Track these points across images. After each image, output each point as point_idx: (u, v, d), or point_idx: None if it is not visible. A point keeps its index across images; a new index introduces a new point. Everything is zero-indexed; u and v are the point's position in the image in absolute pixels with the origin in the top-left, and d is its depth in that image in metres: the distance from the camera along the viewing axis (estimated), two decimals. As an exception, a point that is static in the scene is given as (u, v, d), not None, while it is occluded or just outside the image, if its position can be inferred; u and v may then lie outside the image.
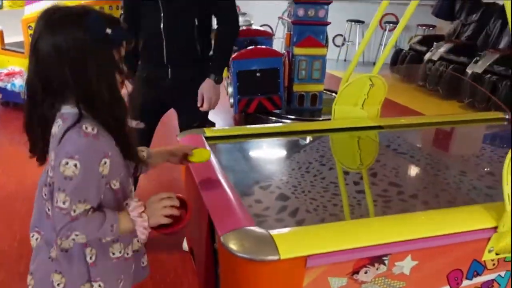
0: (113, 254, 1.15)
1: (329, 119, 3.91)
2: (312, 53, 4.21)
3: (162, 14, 2.05)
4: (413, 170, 1.99)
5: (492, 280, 1.43)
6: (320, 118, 4.09)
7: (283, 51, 4.56)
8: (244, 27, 5.00)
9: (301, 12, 4.20)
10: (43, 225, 1.15)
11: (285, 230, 1.17)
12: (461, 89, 5.72)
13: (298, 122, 2.21)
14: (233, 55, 3.91)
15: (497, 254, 1.36)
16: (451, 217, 1.30)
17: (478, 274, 1.39)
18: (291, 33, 4.32)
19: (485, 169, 1.97)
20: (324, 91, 4.42)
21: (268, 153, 2.09)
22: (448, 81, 5.91)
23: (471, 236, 1.29)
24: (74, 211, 1.02)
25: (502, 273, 1.43)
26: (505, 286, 1.47)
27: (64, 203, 1.01)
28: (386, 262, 1.23)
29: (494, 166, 1.95)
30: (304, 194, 1.60)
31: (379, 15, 2.11)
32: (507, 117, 2.38)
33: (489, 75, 5.39)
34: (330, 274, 1.19)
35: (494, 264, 1.39)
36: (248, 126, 2.10)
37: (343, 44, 8.46)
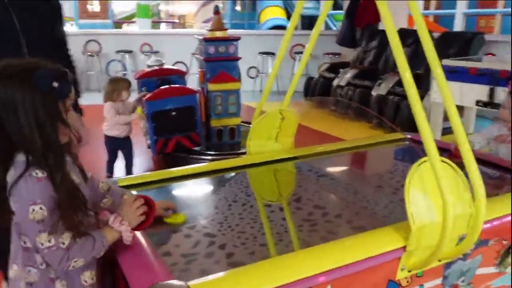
0: (86, 281, 1.27)
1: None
2: (226, 88, 4.29)
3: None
4: (332, 194, 2.06)
5: (409, 297, 1.50)
6: (240, 151, 4.15)
7: (198, 88, 4.59)
8: (156, 67, 4.99)
9: (212, 50, 4.28)
10: (18, 258, 1.25)
11: (204, 279, 1.15)
12: (368, 111, 6.10)
13: (213, 161, 2.19)
14: (147, 96, 3.87)
15: (409, 271, 1.44)
16: (363, 242, 1.35)
17: (394, 293, 1.46)
18: (204, 70, 4.37)
19: (395, 186, 2.08)
20: (242, 124, 4.50)
21: (188, 194, 2.06)
22: (357, 104, 6.29)
23: (384, 258, 1.35)
24: (63, 243, 1.15)
25: (417, 288, 1.51)
26: (422, 301, 1.54)
27: (49, 241, 1.13)
28: (307, 296, 1.25)
29: (401, 183, 2.09)
30: (231, 229, 1.59)
31: (284, 45, 2.20)
32: (408, 136, 2.57)
33: (392, 96, 5.82)
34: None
35: (408, 281, 1.47)
36: (162, 171, 2.05)
37: (257, 76, 8.72)
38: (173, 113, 3.96)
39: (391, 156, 2.51)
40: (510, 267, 1.78)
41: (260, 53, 8.47)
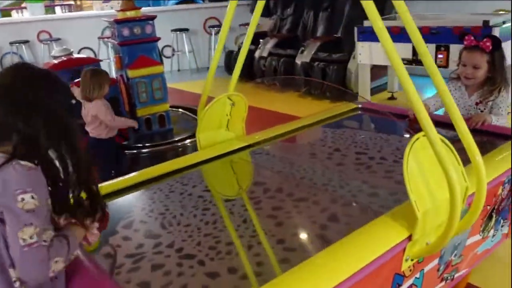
0: None
1: (184, 138, 3.83)
2: (149, 72, 3.91)
3: None
4: (298, 180, 1.88)
5: (411, 285, 1.39)
6: (176, 139, 3.85)
7: (114, 75, 4.16)
8: (63, 58, 4.43)
9: (126, 32, 3.86)
10: None
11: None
12: (295, 79, 6.01)
13: (159, 164, 1.90)
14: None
15: (412, 260, 1.31)
16: (371, 241, 1.19)
17: (400, 285, 1.33)
18: (121, 55, 3.95)
19: (361, 161, 1.96)
20: (170, 109, 4.17)
21: (138, 205, 1.77)
22: (283, 74, 6.17)
23: (391, 253, 1.20)
24: (45, 241, 1.03)
25: (418, 275, 1.40)
26: (421, 286, 1.44)
27: (31, 237, 1.01)
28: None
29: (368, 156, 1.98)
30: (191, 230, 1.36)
31: (229, 16, 1.93)
32: (360, 106, 2.46)
33: (317, 63, 5.75)
34: None
35: (410, 270, 1.35)
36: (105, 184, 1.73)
37: (173, 55, 8.26)
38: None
39: (349, 129, 2.38)
40: (492, 230, 1.74)
41: (173, 30, 7.99)
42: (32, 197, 1.01)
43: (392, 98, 5.55)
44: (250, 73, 6.80)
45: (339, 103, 5.44)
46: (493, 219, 1.71)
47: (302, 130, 2.25)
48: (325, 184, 1.78)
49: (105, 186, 1.69)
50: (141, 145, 3.78)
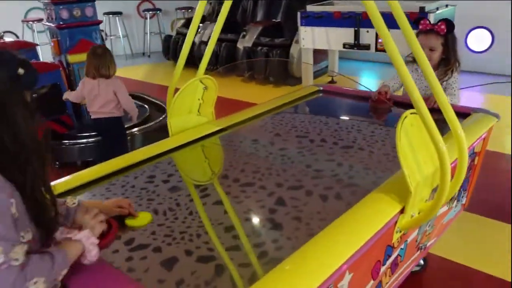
0: None
1: (131, 126, 3.68)
2: (92, 57, 3.70)
3: None
4: (267, 162, 1.87)
5: (397, 256, 1.46)
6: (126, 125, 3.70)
7: (53, 61, 3.90)
8: (-6, 41, 4.06)
9: (65, 14, 3.63)
10: None
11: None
12: (238, 64, 5.99)
13: (131, 153, 1.82)
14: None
15: (401, 231, 1.38)
16: (368, 217, 1.24)
17: (389, 256, 1.40)
18: (59, 39, 3.71)
19: (326, 140, 2.00)
20: (115, 97, 4.00)
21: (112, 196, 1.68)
22: (225, 59, 6.12)
23: (386, 226, 1.26)
24: (17, 259, 0.88)
25: (403, 245, 1.48)
26: (404, 255, 1.52)
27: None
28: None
29: (334, 132, 2.04)
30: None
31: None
32: (321, 88, 2.51)
33: (259, 47, 5.77)
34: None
35: (398, 241, 1.42)
36: (70, 177, 1.61)
37: (106, 39, 7.87)
38: (34, 95, 3.28)
39: (314, 110, 2.43)
40: (455, 201, 1.87)
41: (105, 13, 7.61)
42: None
43: (332, 81, 5.73)
44: (190, 59, 6.67)
45: (283, 88, 5.57)
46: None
47: (271, 113, 2.26)
48: (300, 162, 1.78)
49: (71, 180, 1.60)
50: (86, 134, 3.59)
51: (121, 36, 7.75)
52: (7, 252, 0.87)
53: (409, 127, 1.30)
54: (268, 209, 1.42)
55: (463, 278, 2.13)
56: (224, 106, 4.56)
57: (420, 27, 2.29)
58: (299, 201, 1.45)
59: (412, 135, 1.31)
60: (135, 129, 3.72)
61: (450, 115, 1.29)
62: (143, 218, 1.36)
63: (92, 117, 3.13)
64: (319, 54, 5.74)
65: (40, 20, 6.77)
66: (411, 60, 2.40)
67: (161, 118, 3.85)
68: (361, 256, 1.17)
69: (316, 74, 5.72)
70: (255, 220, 1.45)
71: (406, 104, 2.16)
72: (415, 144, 1.31)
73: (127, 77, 6.54)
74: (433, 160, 1.36)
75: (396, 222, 1.32)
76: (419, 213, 1.39)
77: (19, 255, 0.89)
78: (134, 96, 4.42)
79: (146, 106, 4.16)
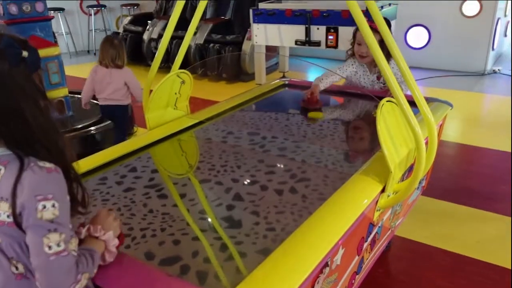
0: None
1: (87, 125, 3.60)
2: (43, 55, 3.54)
3: None
4: (253, 153, 1.94)
5: (376, 233, 1.59)
6: (79, 126, 3.62)
7: (0, 58, 3.73)
8: None
9: (14, 9, 3.49)
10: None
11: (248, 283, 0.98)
12: (190, 62, 5.99)
13: (111, 148, 1.82)
14: None
15: (380, 210, 1.51)
16: (354, 197, 1.35)
17: (370, 234, 1.52)
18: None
19: (296, 130, 2.11)
20: (69, 95, 3.89)
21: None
22: (176, 56, 6.09)
23: (370, 206, 1.38)
24: (74, 250, 0.94)
25: (380, 224, 1.61)
26: (380, 233, 1.66)
27: (59, 244, 0.90)
28: (329, 262, 1.19)
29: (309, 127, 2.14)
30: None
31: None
32: (287, 82, 2.62)
33: (211, 44, 5.81)
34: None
35: (377, 219, 1.55)
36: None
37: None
38: None
39: (283, 101, 2.53)
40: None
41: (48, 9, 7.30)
42: (53, 206, 0.90)
43: (283, 77, 5.88)
44: (139, 57, 6.58)
45: (236, 84, 5.64)
46: (420, 173, 2.01)
47: (244, 106, 2.33)
48: (269, 150, 1.87)
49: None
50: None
51: (64, 33, 7.47)
52: (67, 241, 0.91)
53: (386, 113, 1.43)
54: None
55: (424, 255, 2.32)
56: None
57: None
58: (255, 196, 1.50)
59: (389, 121, 1.44)
60: (93, 127, 3.65)
61: (420, 100, 1.43)
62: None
63: (101, 103, 3.31)
64: (270, 51, 5.87)
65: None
66: (351, 54, 2.52)
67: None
68: (351, 232, 1.28)
69: (267, 71, 5.85)
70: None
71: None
72: (392, 129, 1.44)
73: (72, 75, 6.33)
74: (407, 143, 1.50)
75: (377, 201, 1.44)
76: (393, 193, 1.52)
77: (75, 248, 0.95)
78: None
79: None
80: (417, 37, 6.13)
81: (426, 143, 1.43)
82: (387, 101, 1.44)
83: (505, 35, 6.59)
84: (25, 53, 0.99)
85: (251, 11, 5.15)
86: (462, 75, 5.81)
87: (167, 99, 1.97)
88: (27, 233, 0.91)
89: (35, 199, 0.88)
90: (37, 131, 0.93)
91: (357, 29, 2.47)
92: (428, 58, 6.04)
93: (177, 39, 6.22)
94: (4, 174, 0.91)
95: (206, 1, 1.98)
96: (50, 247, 0.89)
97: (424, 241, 2.40)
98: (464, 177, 3.19)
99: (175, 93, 1.98)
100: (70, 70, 6.77)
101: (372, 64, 2.51)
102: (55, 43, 3.77)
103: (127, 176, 1.65)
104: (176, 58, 2.04)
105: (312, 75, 5.97)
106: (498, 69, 5.90)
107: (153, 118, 1.93)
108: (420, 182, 2.07)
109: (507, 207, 2.70)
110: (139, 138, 1.91)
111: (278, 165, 1.76)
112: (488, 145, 3.70)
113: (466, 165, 3.42)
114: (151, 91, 1.92)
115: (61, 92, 3.78)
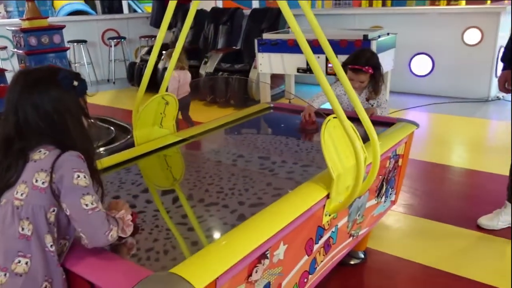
0: None
1: (97, 146, 3.87)
2: (59, 82, 3.91)
3: None
4: (233, 169, 2.12)
5: (329, 237, 1.75)
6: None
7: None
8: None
9: (33, 41, 3.85)
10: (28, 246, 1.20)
11: (184, 264, 1.16)
12: (200, 89, 6.29)
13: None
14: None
15: (330, 215, 1.68)
16: (300, 198, 1.52)
17: (321, 236, 1.68)
18: (27, 64, 3.91)
19: (280, 149, 2.30)
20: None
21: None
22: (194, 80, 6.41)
23: (315, 208, 1.55)
24: (101, 209, 1.25)
25: (333, 229, 1.77)
26: (336, 238, 1.81)
27: (92, 203, 1.22)
28: (268, 255, 1.36)
29: (289, 146, 2.33)
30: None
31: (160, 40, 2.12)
32: (272, 105, 2.83)
33: (220, 73, 6.11)
34: (233, 286, 1.25)
35: (329, 224, 1.71)
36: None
37: (70, 66, 8.03)
38: (3, 117, 3.46)
39: (266, 124, 2.74)
40: (384, 197, 2.19)
41: (69, 41, 7.80)
42: (85, 177, 1.22)
43: (289, 103, 6.11)
44: (153, 85, 6.92)
45: (244, 109, 5.89)
46: (384, 187, 2.16)
47: (227, 126, 2.55)
48: (256, 170, 2.07)
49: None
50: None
51: (85, 64, 7.93)
52: (98, 201, 1.24)
53: (332, 128, 1.61)
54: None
55: (399, 268, 2.43)
56: (187, 127, 4.81)
57: (349, 66, 2.63)
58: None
59: (335, 135, 1.62)
60: (102, 148, 3.92)
61: (366, 122, 1.60)
62: None
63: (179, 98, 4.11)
64: (277, 79, 6.13)
65: (3, 47, 6.90)
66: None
67: (126, 139, 4.08)
68: (293, 230, 1.45)
69: (275, 97, 6.09)
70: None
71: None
72: (337, 142, 1.62)
73: (93, 103, 6.71)
74: (353, 156, 1.67)
75: (324, 206, 1.61)
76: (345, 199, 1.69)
77: (102, 208, 1.25)
78: (100, 119, 4.65)
79: (112, 128, 4.37)
80: (421, 65, 6.29)
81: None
82: (333, 117, 1.62)
83: (510, 63, 6.68)
84: (75, 83, 1.29)
85: (255, 41, 5.44)
86: (465, 101, 5.91)
87: (153, 118, 2.21)
88: (65, 198, 1.21)
89: (72, 170, 1.21)
90: (77, 139, 1.27)
91: (349, 69, 2.64)
92: (432, 85, 6.18)
93: (189, 67, 6.57)
94: (48, 154, 1.24)
95: (195, 9, 2.15)
96: (87, 205, 1.21)
97: (399, 254, 2.52)
98: (456, 199, 3.27)
99: (160, 113, 2.21)
100: (91, 97, 7.17)
101: (361, 88, 2.70)
102: (70, 71, 4.09)
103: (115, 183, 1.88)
104: (163, 82, 2.27)
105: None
106: (502, 96, 5.99)
107: (140, 135, 2.16)
108: (386, 196, 2.22)
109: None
110: (128, 151, 2.13)
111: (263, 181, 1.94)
112: (487, 169, 3.75)
113: (464, 188, 3.50)
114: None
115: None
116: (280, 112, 2.83)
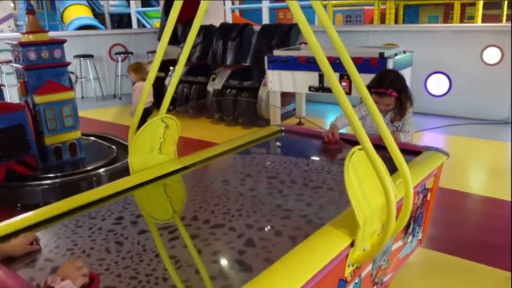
0: None
1: (97, 167, 3.66)
2: (58, 98, 3.73)
3: None
4: (241, 200, 1.88)
5: (351, 290, 1.49)
6: (88, 168, 3.68)
7: (19, 102, 3.88)
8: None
9: (32, 56, 3.65)
10: None
11: None
12: (207, 106, 6.08)
13: (89, 191, 1.82)
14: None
15: (353, 265, 1.42)
16: (317, 249, 1.27)
17: (343, 291, 1.42)
18: (26, 80, 3.71)
19: (291, 179, 2.05)
20: (83, 137, 3.99)
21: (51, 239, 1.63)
22: (195, 101, 6.21)
23: (337, 260, 1.29)
24: None
25: (357, 280, 1.50)
26: (359, 289, 1.55)
27: None
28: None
29: (303, 172, 2.08)
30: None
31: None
32: (283, 128, 2.59)
33: (228, 90, 5.90)
34: None
35: (351, 275, 1.45)
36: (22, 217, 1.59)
37: (76, 82, 7.89)
38: (-3, 136, 3.26)
39: (276, 149, 2.49)
40: (410, 236, 1.93)
41: (75, 56, 7.66)
42: None
43: (300, 123, 5.87)
44: (161, 101, 6.74)
45: (252, 129, 5.66)
46: (411, 226, 1.90)
47: (234, 152, 2.31)
48: (263, 203, 1.83)
49: (31, 216, 1.59)
50: (49, 175, 3.55)
51: (91, 79, 7.78)
52: None
53: (357, 162, 1.36)
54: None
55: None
56: (193, 146, 4.60)
57: (373, 90, 2.42)
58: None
59: (360, 170, 1.37)
60: (102, 169, 3.70)
61: (395, 152, 1.36)
62: None
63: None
64: (287, 97, 5.90)
65: (8, 61, 6.76)
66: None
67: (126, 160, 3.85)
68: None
69: (285, 116, 5.85)
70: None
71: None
72: (363, 178, 1.37)
73: (97, 119, 6.53)
74: (381, 194, 1.42)
75: (347, 256, 1.35)
76: (371, 246, 1.43)
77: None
78: (101, 137, 4.44)
79: (114, 147, 4.15)
80: (438, 84, 6.04)
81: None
82: (358, 149, 1.38)
83: (531, 83, 6.41)
84: None
85: (265, 58, 5.23)
86: (484, 123, 5.63)
87: (151, 143, 1.97)
88: None
89: None
90: None
91: (373, 92, 2.44)
92: (449, 106, 5.92)
93: (196, 84, 6.38)
94: None
95: (199, 23, 1.95)
96: None
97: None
98: (477, 231, 3.01)
99: (159, 138, 1.98)
100: (96, 113, 7.02)
101: (386, 111, 2.49)
102: (70, 88, 3.90)
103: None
104: (163, 102, 2.05)
105: (328, 121, 5.93)
106: (523, 117, 5.70)
107: (136, 162, 1.93)
108: (413, 235, 1.95)
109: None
110: (122, 181, 1.90)
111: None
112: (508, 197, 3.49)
113: (484, 218, 3.23)
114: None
115: (74, 135, 3.87)
116: (291, 135, 2.59)
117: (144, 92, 1.92)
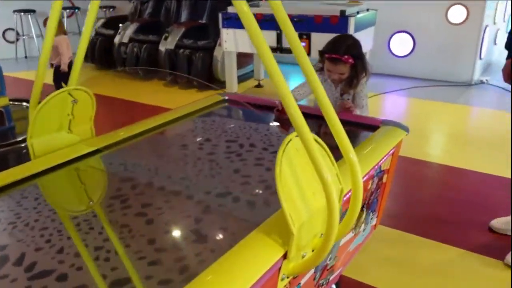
0: None
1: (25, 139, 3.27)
2: (-22, 62, 3.25)
3: None
4: (157, 185, 1.61)
5: (288, 302, 1.24)
6: (19, 139, 3.28)
7: None
8: None
9: None
10: None
11: None
12: (160, 67, 5.67)
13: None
14: None
15: (288, 277, 1.16)
16: (244, 265, 1.00)
17: (277, 306, 1.17)
18: None
19: (229, 158, 1.77)
20: (12, 103, 3.55)
21: None
22: (146, 61, 5.76)
23: (265, 277, 1.03)
24: None
25: (295, 289, 1.26)
26: (299, 299, 1.31)
27: None
28: None
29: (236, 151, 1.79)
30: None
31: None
32: (226, 98, 2.28)
33: (182, 50, 5.48)
34: None
35: (287, 287, 1.20)
36: None
37: (17, 40, 7.23)
38: None
39: (216, 124, 2.17)
40: (363, 225, 1.70)
41: (15, 11, 6.96)
42: None
43: (259, 86, 5.55)
44: (109, 61, 6.25)
45: (207, 92, 5.30)
46: (364, 214, 1.67)
47: (168, 126, 1.98)
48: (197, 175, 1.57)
49: None
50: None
51: (34, 36, 7.14)
52: None
53: (293, 153, 1.09)
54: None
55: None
56: (143, 112, 4.23)
57: (326, 55, 2.15)
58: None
59: (298, 162, 1.09)
60: (24, 144, 3.31)
61: (341, 137, 1.10)
62: None
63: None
64: (245, 58, 5.54)
65: None
66: (321, 68, 2.24)
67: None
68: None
69: (242, 78, 5.52)
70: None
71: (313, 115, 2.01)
72: (302, 174, 1.09)
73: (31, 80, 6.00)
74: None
75: (280, 268, 1.10)
76: (313, 250, 1.18)
77: None
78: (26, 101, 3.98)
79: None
80: (401, 44, 5.81)
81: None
82: (296, 136, 1.09)
83: (495, 43, 6.28)
84: None
85: (220, 15, 4.82)
86: (447, 85, 5.48)
87: (57, 121, 1.63)
88: None
89: None
90: None
91: (326, 59, 2.17)
92: (413, 67, 5.73)
93: (147, 43, 5.90)
94: None
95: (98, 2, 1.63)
96: None
97: (378, 285, 2.06)
98: (435, 203, 2.86)
99: (68, 114, 1.64)
100: (32, 75, 6.46)
101: (340, 81, 2.22)
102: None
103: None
104: (71, 72, 1.69)
105: (292, 83, 5.63)
106: (486, 79, 5.58)
107: (38, 145, 1.59)
108: (366, 223, 1.73)
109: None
110: (21, 167, 1.56)
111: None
112: (472, 167, 3.35)
113: (445, 190, 3.08)
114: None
115: (0, 101, 3.43)
116: (235, 105, 2.28)
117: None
